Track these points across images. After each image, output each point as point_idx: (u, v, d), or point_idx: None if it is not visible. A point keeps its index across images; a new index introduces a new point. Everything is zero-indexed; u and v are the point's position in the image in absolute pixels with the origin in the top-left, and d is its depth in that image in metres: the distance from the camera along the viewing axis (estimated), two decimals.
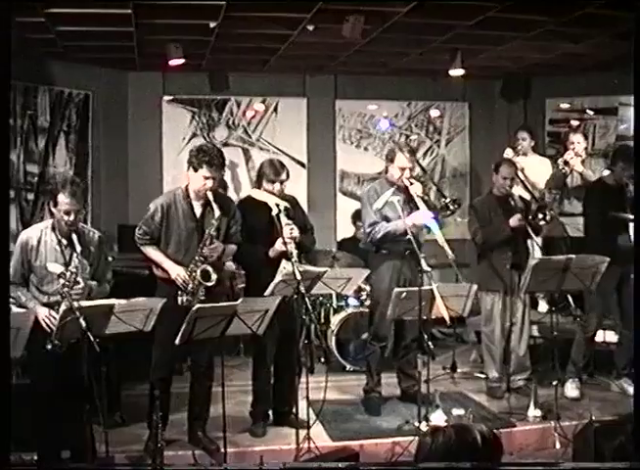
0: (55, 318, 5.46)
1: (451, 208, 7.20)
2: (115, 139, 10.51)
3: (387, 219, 6.93)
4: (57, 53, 9.26)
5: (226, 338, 5.81)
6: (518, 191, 8.02)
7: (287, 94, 10.94)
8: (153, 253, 6.27)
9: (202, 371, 6.38)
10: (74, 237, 5.69)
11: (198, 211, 6.27)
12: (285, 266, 6.26)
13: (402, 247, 6.80)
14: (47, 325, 5.57)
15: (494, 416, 7.00)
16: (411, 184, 6.93)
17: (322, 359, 8.64)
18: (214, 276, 6.13)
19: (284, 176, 6.66)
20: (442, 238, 6.58)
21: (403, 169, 6.96)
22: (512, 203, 7.49)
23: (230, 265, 6.42)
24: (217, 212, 6.12)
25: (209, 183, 6.13)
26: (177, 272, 6.11)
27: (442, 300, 6.25)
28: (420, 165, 8.06)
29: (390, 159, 7.07)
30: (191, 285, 6.09)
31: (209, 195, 6.14)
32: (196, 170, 6.15)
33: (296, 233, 6.40)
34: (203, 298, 6.08)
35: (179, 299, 6.09)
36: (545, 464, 5.45)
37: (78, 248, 5.66)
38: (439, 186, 7.80)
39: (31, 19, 7.58)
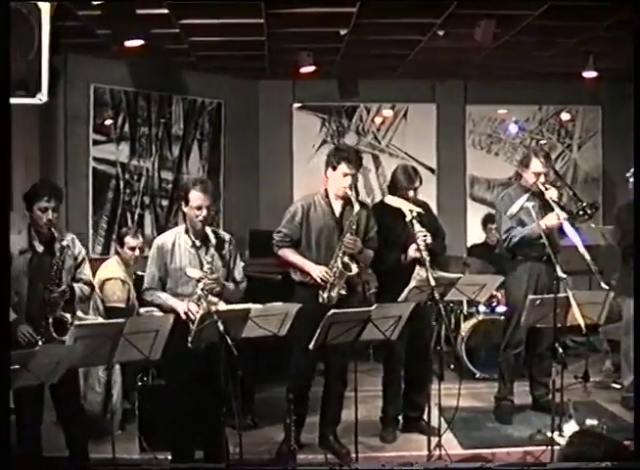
0: (195, 312, 5.48)
1: (588, 212, 7.00)
2: (247, 147, 10.69)
3: (522, 225, 6.81)
4: (190, 63, 9.49)
5: (358, 343, 5.81)
6: None
7: (416, 100, 10.96)
8: (292, 256, 6.30)
9: (336, 376, 6.37)
10: (208, 230, 5.70)
11: (337, 210, 6.31)
12: (419, 273, 6.23)
13: (538, 252, 6.67)
14: (188, 319, 5.51)
15: (629, 427, 6.82)
16: (546, 189, 6.80)
17: (452, 366, 8.59)
18: (355, 266, 6.13)
19: (417, 184, 6.62)
20: (581, 243, 6.42)
21: (538, 175, 6.83)
22: None
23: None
24: (357, 208, 6.14)
25: (349, 180, 6.17)
26: (319, 271, 6.13)
27: (578, 307, 6.12)
28: (555, 171, 7.87)
29: (525, 164, 6.95)
30: (332, 279, 6.10)
31: (349, 192, 6.18)
32: (335, 169, 6.20)
33: (429, 240, 6.34)
34: (344, 292, 6.13)
35: (320, 297, 6.10)
36: None
37: (214, 240, 5.67)
38: (575, 191, 7.57)
39: (166, 30, 7.79)
